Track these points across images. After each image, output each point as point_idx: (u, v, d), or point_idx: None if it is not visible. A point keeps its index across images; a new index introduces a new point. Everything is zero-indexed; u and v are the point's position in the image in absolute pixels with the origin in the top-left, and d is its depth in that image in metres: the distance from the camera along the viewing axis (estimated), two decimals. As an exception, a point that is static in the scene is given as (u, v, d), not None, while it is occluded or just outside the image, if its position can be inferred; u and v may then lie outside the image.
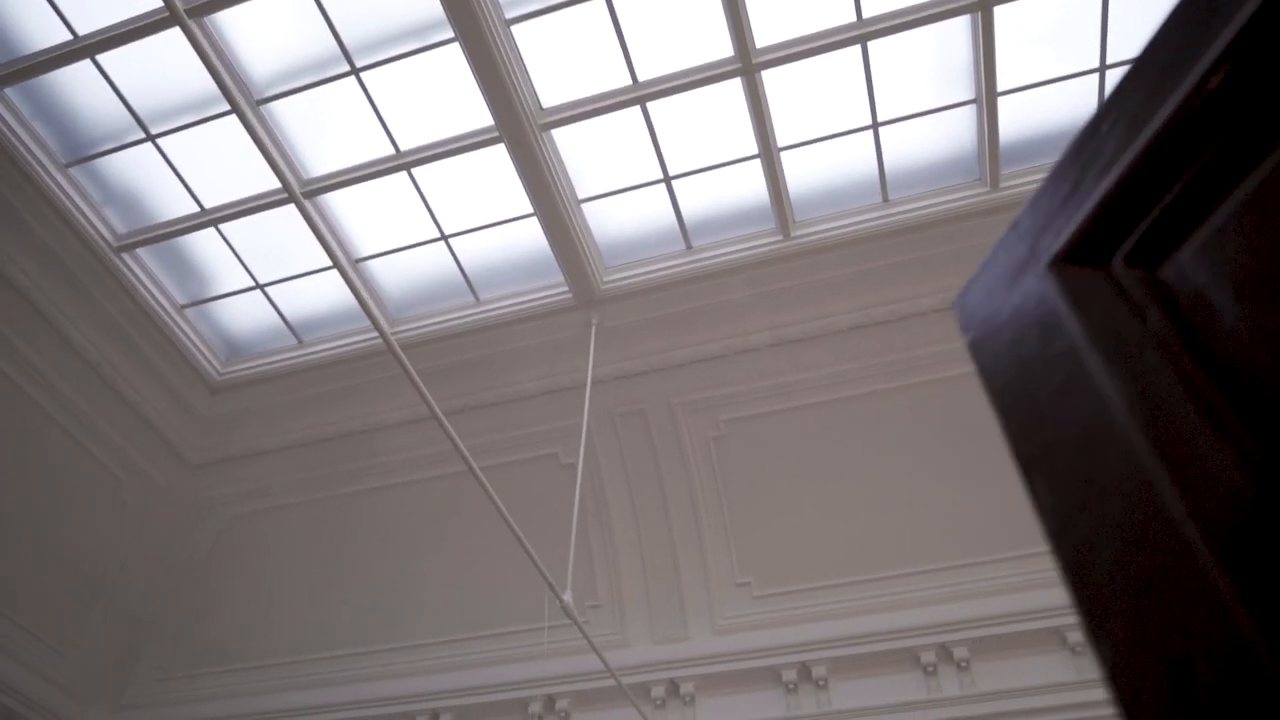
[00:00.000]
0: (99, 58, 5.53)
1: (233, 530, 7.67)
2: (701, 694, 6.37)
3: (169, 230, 6.28)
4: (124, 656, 7.80)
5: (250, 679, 7.48)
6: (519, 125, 5.50)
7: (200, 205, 6.21)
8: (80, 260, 6.33)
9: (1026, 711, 5.71)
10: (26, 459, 6.92)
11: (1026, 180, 5.80)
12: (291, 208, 6.15)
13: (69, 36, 5.45)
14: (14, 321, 6.39)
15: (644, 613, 6.74)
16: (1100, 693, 5.62)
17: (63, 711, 7.44)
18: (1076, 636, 5.80)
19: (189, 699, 7.57)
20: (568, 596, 4.61)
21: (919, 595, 6.27)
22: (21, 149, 5.82)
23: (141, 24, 5.30)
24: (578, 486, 5.59)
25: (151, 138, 5.90)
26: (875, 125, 5.73)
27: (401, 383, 6.92)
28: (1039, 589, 5.99)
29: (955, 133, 5.81)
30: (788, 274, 6.18)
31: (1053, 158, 5.78)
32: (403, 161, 5.87)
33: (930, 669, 5.97)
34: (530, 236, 6.28)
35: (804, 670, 6.20)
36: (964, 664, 5.92)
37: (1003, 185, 5.81)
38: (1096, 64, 5.44)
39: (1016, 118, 5.71)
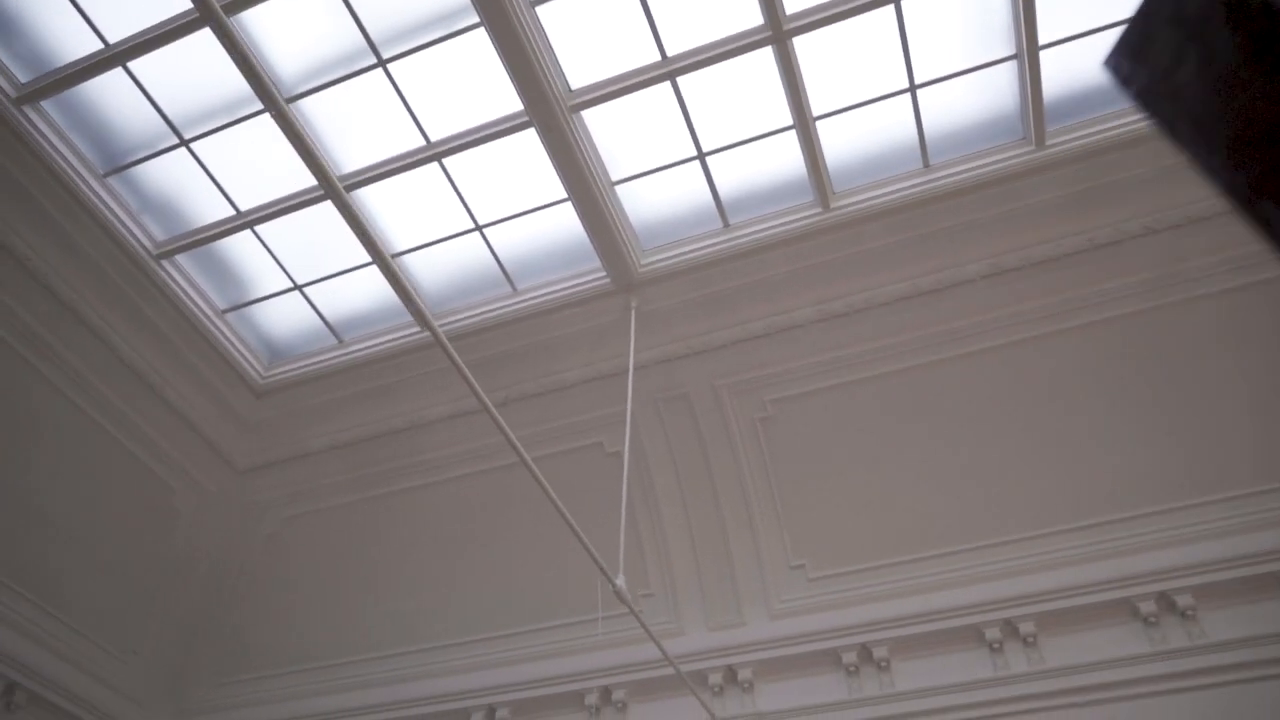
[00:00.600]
0: (130, 65, 5.56)
1: (282, 533, 7.70)
2: (760, 680, 6.24)
3: (206, 235, 6.31)
4: (183, 662, 7.88)
5: (308, 680, 7.51)
6: (549, 108, 5.43)
7: (236, 208, 6.23)
8: (122, 269, 6.38)
9: (1098, 686, 5.51)
10: (81, 471, 7.01)
11: (1074, 137, 5.60)
12: (326, 206, 6.14)
13: (100, 45, 5.48)
14: (61, 333, 6.46)
15: (698, 600, 6.63)
16: (1176, 664, 5.42)
17: (128, 719, 7.52)
18: (1149, 607, 5.58)
19: (249, 702, 7.62)
20: (620, 581, 4.52)
21: (981, 570, 6.08)
22: (60, 162, 5.87)
23: (170, 27, 5.31)
24: (624, 472, 5.50)
25: (185, 142, 5.92)
26: (913, 88, 5.57)
27: (443, 378, 6.90)
28: (1107, 559, 5.80)
29: (996, 91, 5.63)
30: (829, 247, 6.04)
31: (1101, 110, 5.57)
32: (433, 152, 5.82)
33: (996, 645, 5.79)
34: (565, 222, 6.20)
35: (864, 652, 6.05)
36: (1031, 639, 5.73)
37: (1049, 143, 5.61)
38: (1143, 10, 5.22)
39: (1060, 72, 5.50)
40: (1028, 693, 5.60)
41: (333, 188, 3.19)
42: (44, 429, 6.72)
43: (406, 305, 3.50)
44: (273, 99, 3.08)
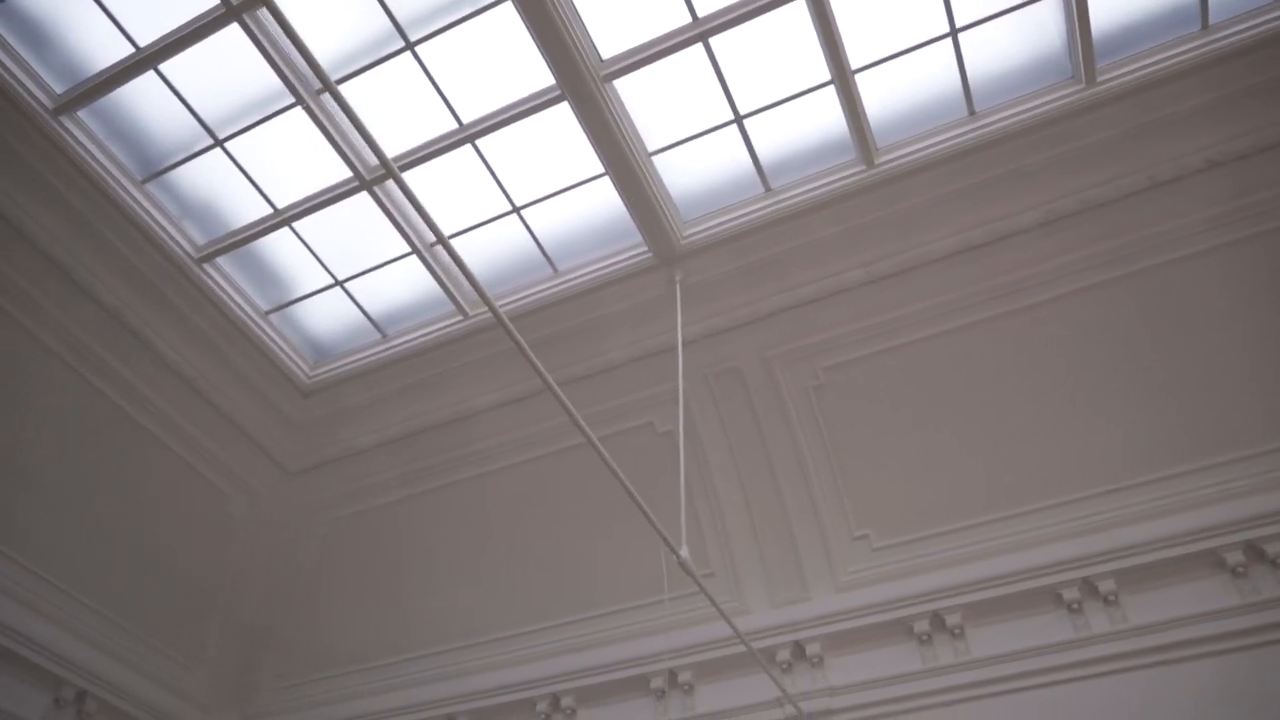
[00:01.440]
0: (161, 67, 5.56)
1: (336, 533, 7.69)
2: (829, 654, 6.08)
3: (246, 235, 6.29)
4: (246, 666, 7.90)
5: (369, 679, 7.48)
6: (580, 79, 5.32)
7: (273, 205, 6.21)
8: (165, 275, 6.39)
9: (1186, 643, 5.26)
10: (135, 481, 7.05)
11: (1125, 71, 5.36)
12: (361, 200, 6.09)
13: (131, 50, 5.49)
14: (109, 342, 6.49)
15: (760, 577, 6.48)
16: (1270, 615, 5.16)
17: (196, 725, 7.57)
18: (1236, 557, 5.33)
19: (313, 704, 7.61)
20: (684, 552, 4.39)
21: (1054, 530, 5.86)
22: (100, 170, 5.88)
23: (197, 25, 5.29)
24: (680, 443, 5.38)
25: (219, 142, 5.91)
26: (954, 32, 5.38)
27: (488, 366, 6.83)
28: (1189, 511, 5.55)
29: (1041, 30, 5.41)
30: (875, 205, 5.86)
31: (1153, 41, 5.34)
32: (467, 134, 5.75)
33: (1074, 606, 5.57)
34: (603, 198, 6.10)
35: (937, 620, 5.86)
36: (1112, 598, 5.50)
37: (1100, 80, 5.38)
38: (1194, -69, 5.00)
39: (1107, 4, 5.28)
40: (1112, 652, 5.37)
41: (388, 166, 3.08)
42: (98, 440, 6.77)
43: (471, 283, 3.40)
44: (327, 80, 2.95)
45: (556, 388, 3.81)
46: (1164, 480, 5.66)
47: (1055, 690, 5.39)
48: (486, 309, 6.28)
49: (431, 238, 6.34)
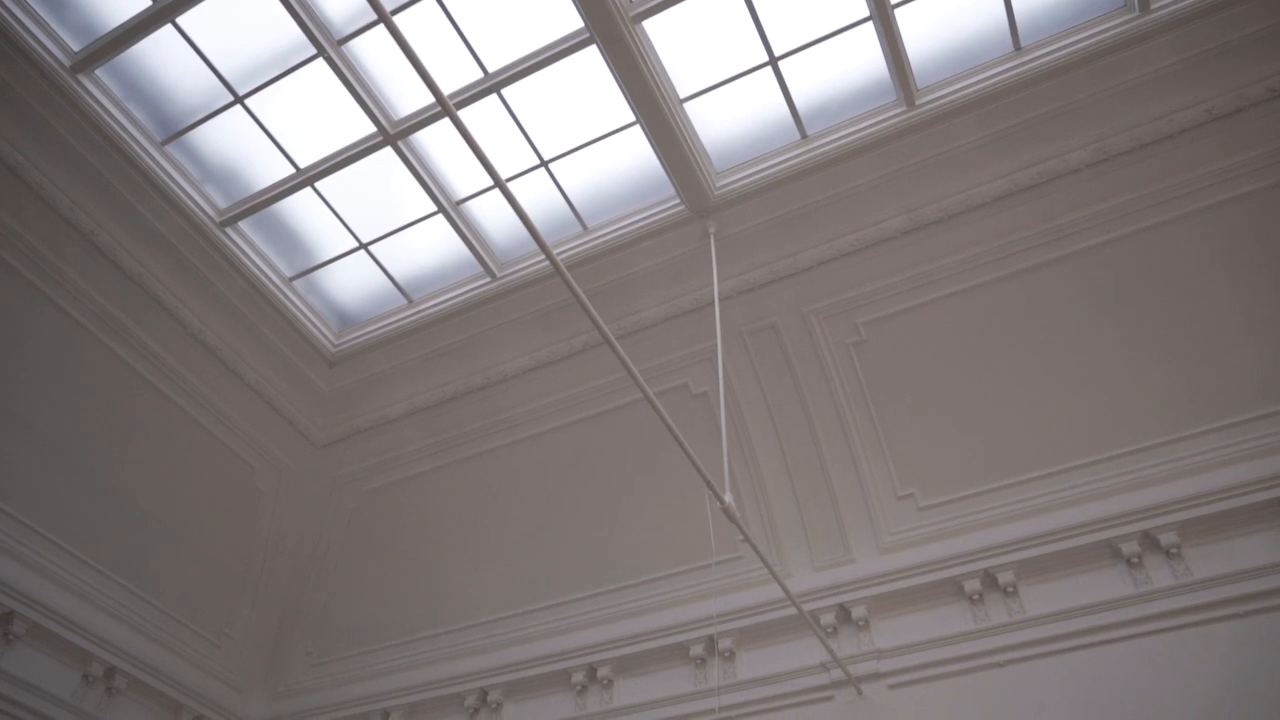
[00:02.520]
0: (179, 20, 5.42)
1: (366, 507, 7.55)
2: (876, 616, 5.86)
3: (268, 196, 6.15)
4: (277, 644, 7.78)
5: (404, 653, 7.33)
6: (610, 20, 5.13)
7: (295, 165, 6.06)
8: (188, 240, 6.26)
9: (1255, 595, 4.99)
10: (164, 455, 6.93)
11: (1181, -1, 5.11)
12: (385, 156, 5.94)
13: (147, 2, 5.35)
14: (131, 309, 6.37)
15: (801, 541, 6.27)
16: (1343, 565, 4.90)
17: (226, 703, 7.44)
18: (1306, 506, 5.07)
19: (343, 680, 7.47)
20: (729, 499, 4.20)
21: (1110, 483, 5.61)
22: (120, 131, 5.76)
23: (216, -27, 5.15)
24: (721, 393, 5.18)
25: (239, 99, 5.77)
26: (999, -39, 5.15)
27: (518, 329, 6.67)
28: (1253, 459, 5.28)
29: (1091, -42, 5.17)
30: (917, 148, 5.64)
31: (1212, -36, 5.07)
32: (492, 83, 5.57)
33: (1134, 560, 5.32)
34: (633, 150, 5.91)
35: (988, 578, 5.63)
36: (1174, 551, 5.25)
37: (1153, 7, 5.13)
38: None
39: (1162, -72, 5.04)
40: (1176, 607, 5.11)
41: (444, 106, 2.90)
42: (122, 412, 6.66)
43: (528, 230, 3.23)
44: (342, 34, 2.76)
45: (610, 335, 3.64)
46: (1228, 428, 5.40)
47: (1114, 649, 5.14)
48: (515, 270, 6.13)
49: (459, 194, 6.17)
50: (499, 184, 3.15)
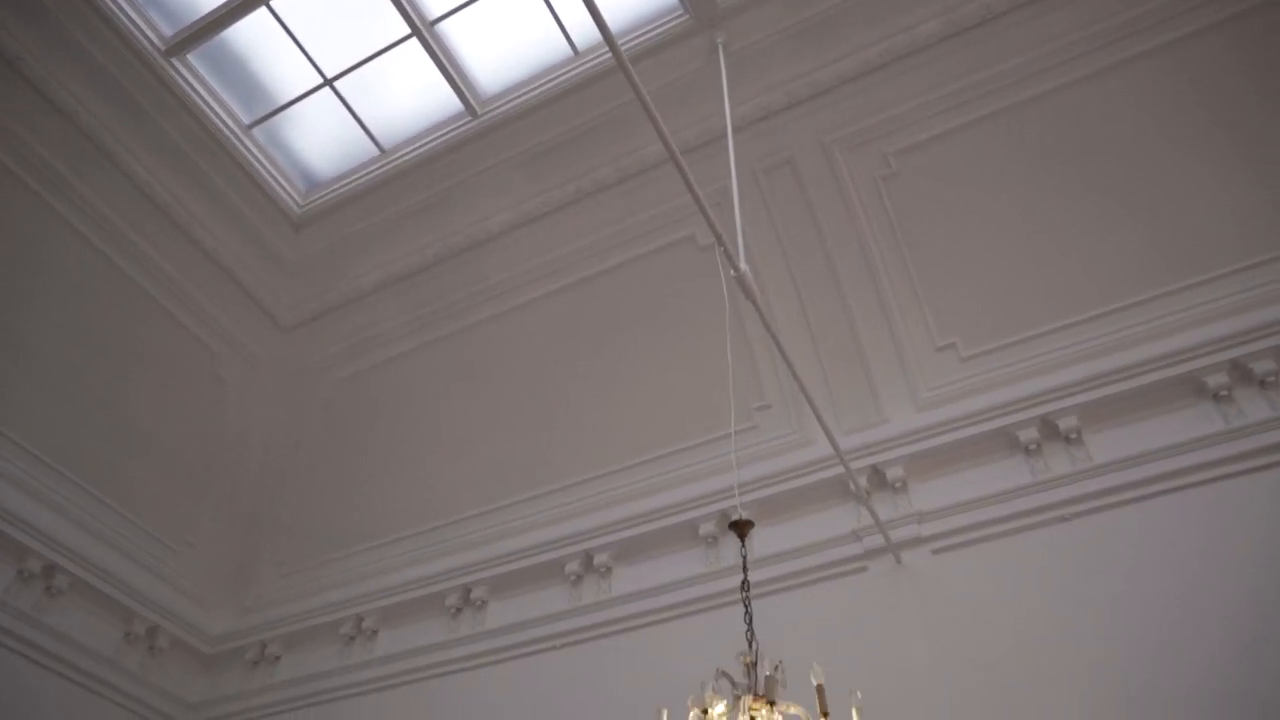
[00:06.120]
0: None
1: (341, 396, 6.81)
2: (914, 477, 5.08)
3: (218, 14, 5.43)
4: (244, 554, 7.03)
5: (383, 556, 6.57)
6: None
7: (247, -23, 5.34)
8: (130, 71, 5.54)
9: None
10: (111, 331, 6.20)
11: None
12: (349, -31, 5.23)
13: None
14: (68, 156, 5.66)
15: (825, 404, 5.47)
16: None
17: (187, 615, 6.70)
18: None
19: (318, 589, 6.71)
20: (744, 266, 3.44)
21: (1183, 317, 4.84)
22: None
23: None
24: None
25: (181, -108, 5.06)
26: None
27: (503, 175, 5.95)
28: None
29: None
30: (956, -70, 4.88)
31: None
32: None
33: (1223, 394, 4.53)
34: (629, -50, 5.18)
35: (1047, 425, 4.84)
36: (1271, 379, 4.46)
37: None
38: None
39: None
40: (1265, 444, 4.33)
41: None
42: (66, 281, 5.93)
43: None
44: None
45: (677, 152, 2.87)
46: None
47: (1196, 493, 4.36)
48: (498, 106, 5.43)
49: (433, 13, 5.44)
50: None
